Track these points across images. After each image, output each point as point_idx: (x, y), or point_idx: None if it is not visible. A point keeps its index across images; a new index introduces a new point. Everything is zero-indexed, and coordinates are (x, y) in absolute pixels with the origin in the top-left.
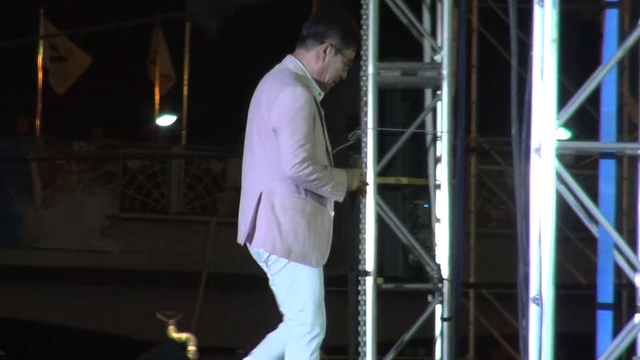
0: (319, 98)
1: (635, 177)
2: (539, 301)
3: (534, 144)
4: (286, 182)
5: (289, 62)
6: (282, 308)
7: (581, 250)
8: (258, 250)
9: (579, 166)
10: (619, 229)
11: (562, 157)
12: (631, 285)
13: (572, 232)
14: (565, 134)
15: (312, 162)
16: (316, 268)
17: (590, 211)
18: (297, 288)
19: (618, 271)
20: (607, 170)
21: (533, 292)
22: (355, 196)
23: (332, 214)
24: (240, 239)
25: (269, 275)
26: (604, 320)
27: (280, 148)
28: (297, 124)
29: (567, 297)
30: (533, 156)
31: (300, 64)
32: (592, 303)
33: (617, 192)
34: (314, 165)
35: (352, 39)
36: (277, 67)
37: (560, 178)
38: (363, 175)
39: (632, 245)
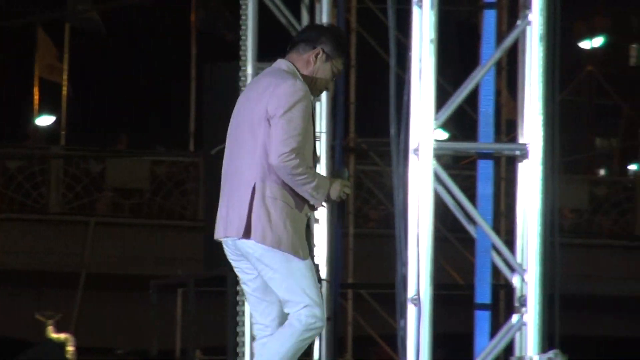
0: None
1: (513, 178)
2: (416, 301)
3: (412, 144)
4: (276, 173)
5: (282, 64)
6: (283, 297)
7: (459, 250)
8: (249, 247)
9: (457, 167)
10: (496, 229)
11: (440, 157)
12: (509, 286)
13: (450, 233)
14: (444, 135)
15: (300, 155)
16: (307, 261)
17: (468, 212)
18: (294, 277)
19: (495, 272)
20: (485, 171)
21: (411, 292)
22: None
23: (309, 215)
24: (230, 232)
25: (247, 278)
26: (482, 320)
27: (272, 136)
28: (293, 115)
29: (445, 298)
30: (411, 157)
31: (292, 65)
32: (470, 303)
33: (495, 193)
34: (301, 160)
35: (343, 49)
36: (269, 69)
37: (438, 178)
38: (348, 187)
39: (510, 245)
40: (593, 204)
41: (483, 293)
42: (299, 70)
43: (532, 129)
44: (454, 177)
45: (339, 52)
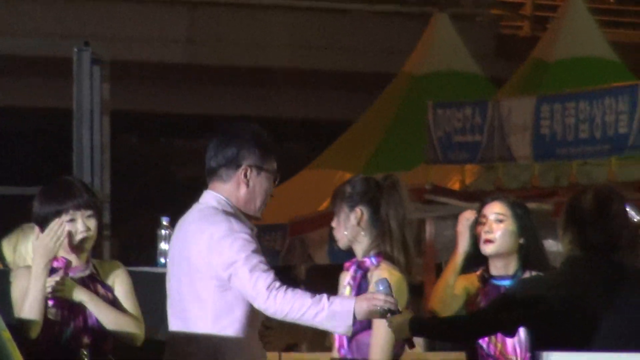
0: (254, 233)
1: None
2: None
3: None
4: (235, 334)
5: (210, 199)
6: None
7: None
8: None
9: None
10: None
11: None
12: None
13: None
14: None
15: (278, 283)
16: None
17: None
18: None
19: None
20: None
21: None
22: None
23: None
24: None
25: None
26: None
27: (243, 292)
28: (243, 253)
29: None
30: None
31: (222, 198)
32: None
33: None
34: (283, 288)
35: (269, 149)
36: (197, 207)
37: None
38: (379, 299)
39: None
40: None
41: None
42: (229, 200)
43: None
44: None
45: (266, 156)
